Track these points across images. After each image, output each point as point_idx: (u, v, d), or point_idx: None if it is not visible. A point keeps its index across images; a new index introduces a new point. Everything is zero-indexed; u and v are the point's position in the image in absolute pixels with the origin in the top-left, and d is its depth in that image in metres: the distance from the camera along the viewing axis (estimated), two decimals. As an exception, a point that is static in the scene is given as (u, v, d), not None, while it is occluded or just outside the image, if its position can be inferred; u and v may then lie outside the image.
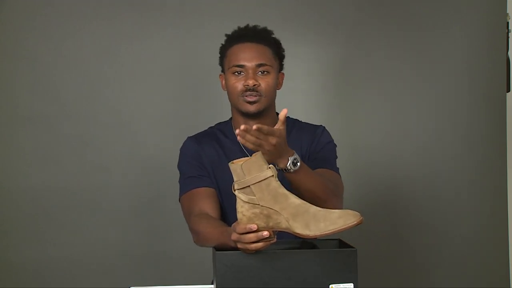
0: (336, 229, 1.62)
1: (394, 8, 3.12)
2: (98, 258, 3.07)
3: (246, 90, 2.02)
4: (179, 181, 2.12)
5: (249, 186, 1.65)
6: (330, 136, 2.16)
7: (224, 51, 2.12)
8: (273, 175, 1.66)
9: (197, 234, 1.97)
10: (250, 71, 2.03)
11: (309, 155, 2.10)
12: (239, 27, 2.13)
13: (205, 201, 2.03)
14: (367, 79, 3.13)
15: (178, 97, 3.10)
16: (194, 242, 2.03)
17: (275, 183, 1.66)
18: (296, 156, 1.82)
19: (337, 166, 2.13)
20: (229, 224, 1.89)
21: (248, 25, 2.12)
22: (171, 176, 3.02)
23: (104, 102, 3.08)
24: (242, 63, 2.04)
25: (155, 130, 3.09)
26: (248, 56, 2.04)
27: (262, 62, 2.04)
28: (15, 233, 3.07)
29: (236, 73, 2.05)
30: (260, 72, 2.03)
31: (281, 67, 2.13)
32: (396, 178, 3.13)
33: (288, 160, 1.81)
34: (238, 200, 1.68)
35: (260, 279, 1.69)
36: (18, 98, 3.07)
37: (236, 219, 1.71)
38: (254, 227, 1.64)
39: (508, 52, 3.09)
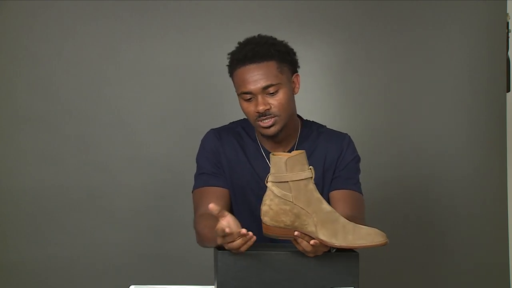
0: (363, 245, 1.63)
1: (394, 8, 3.12)
2: (98, 258, 3.07)
3: (259, 116, 1.96)
4: (195, 173, 2.11)
5: (287, 181, 1.64)
6: (355, 148, 2.11)
7: (231, 73, 2.03)
8: (312, 177, 1.66)
9: (198, 234, 1.98)
10: (259, 96, 1.95)
11: (335, 169, 2.07)
12: (239, 44, 2.02)
13: (214, 201, 2.01)
14: (368, 79, 3.13)
15: (179, 97, 3.10)
16: (197, 242, 2.02)
17: (312, 186, 1.66)
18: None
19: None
20: None
21: (247, 41, 2.02)
22: (171, 176, 3.05)
23: (104, 102, 3.08)
24: (248, 89, 1.95)
25: (155, 130, 3.09)
26: (252, 80, 1.94)
27: (268, 83, 1.94)
28: (15, 233, 3.07)
29: (247, 99, 1.97)
30: (269, 93, 1.95)
31: (293, 69, 2.03)
32: (396, 178, 3.13)
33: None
34: (268, 193, 1.65)
35: (261, 281, 1.69)
36: (18, 98, 3.08)
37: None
38: (228, 230, 1.61)
39: (508, 52, 3.09)
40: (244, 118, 2.16)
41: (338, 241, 1.63)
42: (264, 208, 1.66)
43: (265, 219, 1.66)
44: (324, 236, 1.64)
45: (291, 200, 1.64)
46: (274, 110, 1.96)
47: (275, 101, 1.96)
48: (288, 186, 1.64)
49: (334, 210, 1.67)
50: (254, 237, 1.65)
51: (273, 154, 1.66)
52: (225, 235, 1.62)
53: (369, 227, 1.66)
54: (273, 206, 1.65)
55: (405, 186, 3.13)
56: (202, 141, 2.12)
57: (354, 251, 1.77)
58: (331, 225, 1.64)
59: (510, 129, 3.16)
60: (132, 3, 3.08)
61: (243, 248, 1.65)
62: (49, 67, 3.07)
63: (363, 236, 1.64)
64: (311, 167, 1.66)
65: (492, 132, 3.13)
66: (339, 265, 1.71)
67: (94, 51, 3.08)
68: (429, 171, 3.13)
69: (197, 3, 3.09)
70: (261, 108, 1.95)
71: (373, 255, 3.02)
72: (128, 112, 3.09)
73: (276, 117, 1.97)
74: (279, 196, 1.65)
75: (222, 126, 2.15)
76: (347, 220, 1.66)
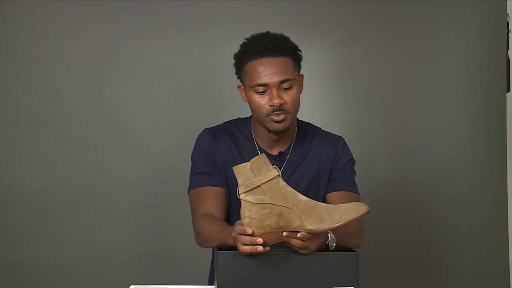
0: (350, 219, 1.64)
1: (395, 8, 3.12)
2: (98, 258, 3.07)
3: (273, 110, 1.96)
4: (190, 173, 2.11)
5: (259, 186, 1.65)
6: (349, 150, 2.13)
7: (241, 65, 2.02)
8: (279, 175, 1.66)
9: (199, 234, 1.98)
10: (274, 89, 1.95)
11: (331, 171, 2.08)
12: (253, 37, 2.02)
13: (212, 201, 2.02)
14: (368, 80, 3.13)
15: (179, 97, 3.10)
16: (196, 243, 2.02)
17: (282, 182, 1.67)
18: (329, 238, 1.80)
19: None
20: (232, 223, 1.89)
21: (263, 35, 2.01)
22: (171, 176, 3.05)
23: (104, 102, 3.08)
24: (264, 81, 1.95)
25: (155, 130, 3.09)
26: (270, 73, 1.94)
27: (285, 78, 1.95)
28: (15, 233, 3.07)
29: (260, 92, 1.97)
30: (283, 88, 1.96)
31: (300, 70, 2.05)
32: (396, 178, 3.13)
33: (327, 244, 1.80)
34: (244, 204, 1.66)
35: (261, 280, 1.69)
36: (18, 98, 3.07)
37: (238, 219, 1.70)
38: (249, 231, 1.64)
39: (508, 52, 3.09)
40: (239, 118, 2.16)
41: (327, 224, 1.64)
42: (245, 220, 1.66)
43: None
44: (311, 224, 1.64)
45: (269, 202, 1.65)
46: (287, 106, 1.97)
47: (288, 97, 1.97)
48: (262, 190, 1.66)
49: (310, 199, 1.68)
50: (266, 249, 1.67)
51: (236, 167, 1.68)
52: (242, 233, 1.65)
53: (349, 203, 1.68)
54: (253, 215, 1.66)
55: (405, 186, 3.13)
56: (197, 140, 2.12)
57: (354, 251, 1.77)
58: (314, 212, 1.65)
59: (510, 129, 3.16)
60: (132, 3, 3.08)
61: (252, 251, 1.67)
62: (49, 67, 3.07)
63: (347, 211, 1.65)
64: (275, 166, 1.68)
65: (492, 132, 3.13)
66: (339, 265, 1.71)
67: (94, 51, 3.08)
68: (429, 171, 3.13)
69: (197, 3, 3.09)
70: (276, 101, 1.94)
71: (373, 255, 3.02)
72: (128, 112, 3.09)
73: (287, 114, 1.98)
74: (256, 203, 1.66)
75: (216, 126, 2.15)
76: (325, 204, 1.68)
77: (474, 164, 3.14)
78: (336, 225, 1.64)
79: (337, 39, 3.13)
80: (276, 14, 3.07)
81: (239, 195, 1.67)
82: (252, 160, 1.67)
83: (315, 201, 1.67)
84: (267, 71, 1.95)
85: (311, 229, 1.64)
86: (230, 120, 2.17)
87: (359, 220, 1.86)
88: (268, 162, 1.68)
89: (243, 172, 1.66)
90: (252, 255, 1.69)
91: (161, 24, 3.09)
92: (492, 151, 3.13)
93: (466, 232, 3.14)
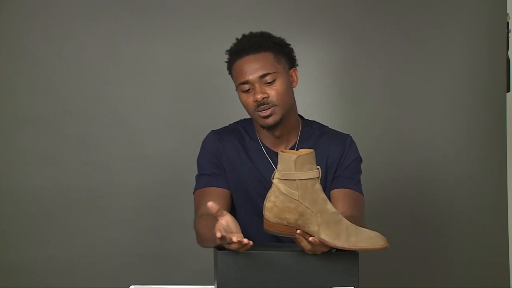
0: (365, 248, 1.63)
1: (395, 8, 3.12)
2: (98, 258, 3.07)
3: (258, 105, 1.98)
4: (196, 175, 2.11)
5: (295, 180, 1.63)
6: (357, 149, 2.12)
7: (229, 69, 2.07)
8: (319, 177, 1.65)
9: (198, 234, 1.98)
10: (256, 85, 1.97)
11: (336, 169, 2.08)
12: (236, 40, 2.06)
13: (214, 202, 2.02)
14: (367, 80, 3.13)
15: (179, 97, 3.10)
16: (197, 242, 2.03)
17: (319, 185, 1.65)
18: None
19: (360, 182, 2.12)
20: (239, 224, 1.89)
21: (243, 36, 2.06)
22: (171, 176, 3.05)
23: (104, 102, 3.09)
24: (245, 79, 1.98)
25: (155, 130, 3.09)
26: (249, 70, 1.98)
27: (264, 72, 1.97)
28: (15, 233, 3.07)
29: (245, 90, 2.00)
30: (266, 83, 1.98)
31: (291, 63, 2.06)
32: (396, 178, 3.13)
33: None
34: (274, 189, 1.64)
35: (261, 280, 1.69)
36: (18, 98, 3.08)
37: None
38: (218, 235, 1.61)
39: (508, 52, 3.09)
40: (244, 119, 2.16)
41: (340, 242, 1.63)
42: (268, 204, 1.65)
43: (268, 215, 1.65)
44: (326, 236, 1.63)
45: (297, 199, 1.64)
46: (272, 99, 1.98)
47: (272, 90, 1.98)
48: (296, 185, 1.64)
49: (337, 212, 1.67)
50: (250, 243, 1.64)
51: (282, 151, 1.65)
52: (220, 237, 1.62)
53: (370, 230, 1.66)
54: (278, 203, 1.64)
55: (405, 186, 3.13)
56: (203, 142, 2.13)
57: (354, 251, 1.77)
58: (334, 226, 1.64)
59: (510, 129, 3.16)
60: (132, 3, 3.08)
61: (241, 250, 1.66)
62: (49, 67, 3.07)
63: (365, 239, 1.64)
64: (318, 167, 1.66)
65: (492, 132, 3.13)
66: (339, 265, 1.71)
67: (94, 51, 3.08)
68: (429, 171, 3.13)
69: (197, 3, 3.10)
70: (259, 96, 1.96)
71: (373, 255, 3.01)
72: (128, 112, 3.09)
73: (275, 107, 1.98)
74: (284, 194, 1.64)
75: (222, 128, 2.15)
76: (349, 222, 1.66)
77: (474, 164, 3.14)
78: (349, 247, 1.63)
79: (337, 39, 3.13)
80: (276, 14, 3.08)
81: (273, 178, 1.66)
82: (300, 152, 1.64)
83: (341, 217, 1.66)
84: (247, 68, 1.98)
85: (323, 240, 1.63)
86: (236, 122, 2.18)
87: (361, 220, 1.87)
88: (313, 161, 1.64)
89: (286, 160, 1.63)
90: (252, 255, 1.69)
91: (161, 24, 3.09)
92: (492, 151, 3.13)
93: (466, 232, 3.14)
